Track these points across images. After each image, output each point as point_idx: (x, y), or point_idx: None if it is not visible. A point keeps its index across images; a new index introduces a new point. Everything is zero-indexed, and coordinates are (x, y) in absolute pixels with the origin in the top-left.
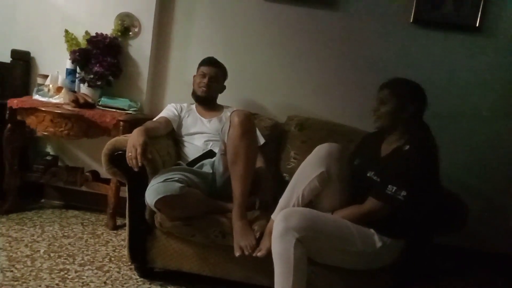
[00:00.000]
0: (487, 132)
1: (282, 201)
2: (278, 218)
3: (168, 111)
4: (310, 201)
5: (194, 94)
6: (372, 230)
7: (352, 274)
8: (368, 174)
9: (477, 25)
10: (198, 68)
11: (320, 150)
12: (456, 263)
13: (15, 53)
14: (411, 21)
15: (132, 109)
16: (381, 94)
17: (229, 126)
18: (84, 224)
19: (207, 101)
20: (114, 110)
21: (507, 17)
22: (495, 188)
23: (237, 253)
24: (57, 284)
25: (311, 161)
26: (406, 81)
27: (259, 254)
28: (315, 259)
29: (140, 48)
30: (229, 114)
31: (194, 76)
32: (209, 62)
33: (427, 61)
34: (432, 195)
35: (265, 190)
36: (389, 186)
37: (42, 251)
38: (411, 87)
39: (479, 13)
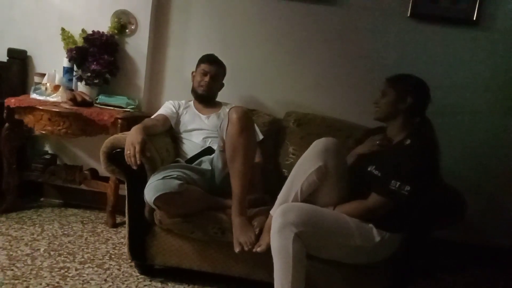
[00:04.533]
0: (485, 127)
1: (280, 196)
2: (276, 214)
3: (166, 108)
4: (310, 195)
5: (194, 92)
6: (370, 225)
7: (351, 268)
8: (368, 169)
9: (474, 18)
10: (198, 65)
11: (318, 145)
12: (456, 258)
13: (11, 52)
14: (408, 15)
15: (130, 107)
16: (383, 87)
17: (228, 122)
18: (84, 222)
19: (207, 99)
20: (112, 108)
21: (504, 10)
22: (495, 183)
23: (236, 249)
24: (57, 282)
25: (308, 156)
26: (408, 76)
27: (258, 249)
28: (314, 254)
29: (137, 46)
30: (227, 110)
31: (193, 73)
32: (210, 60)
33: (424, 55)
34: (434, 188)
35: (256, 187)
36: (393, 181)
37: (42, 249)
38: (412, 80)
39: (477, 6)
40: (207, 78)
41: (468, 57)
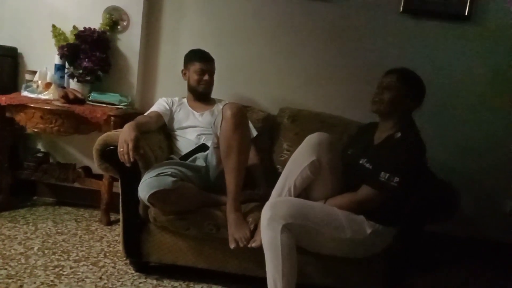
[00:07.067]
0: (478, 121)
1: (274, 192)
2: (265, 207)
3: (159, 105)
4: (304, 190)
5: (193, 90)
6: (361, 217)
7: (345, 263)
8: (360, 162)
9: (466, 13)
10: (191, 63)
11: (311, 140)
12: (451, 251)
13: (2, 49)
14: (401, 10)
15: (122, 104)
16: (388, 79)
17: (222, 119)
18: (78, 220)
19: (207, 96)
20: (104, 105)
21: (495, 5)
22: (490, 177)
23: (232, 245)
24: (52, 281)
25: (302, 150)
26: (414, 74)
27: (253, 245)
28: (307, 248)
29: (129, 42)
30: (221, 107)
31: (184, 70)
32: (205, 57)
33: (417, 50)
34: (423, 181)
35: (258, 183)
36: (382, 173)
37: (36, 248)
38: (417, 81)
39: (468, 1)
40: (206, 77)
41: (460, 52)
